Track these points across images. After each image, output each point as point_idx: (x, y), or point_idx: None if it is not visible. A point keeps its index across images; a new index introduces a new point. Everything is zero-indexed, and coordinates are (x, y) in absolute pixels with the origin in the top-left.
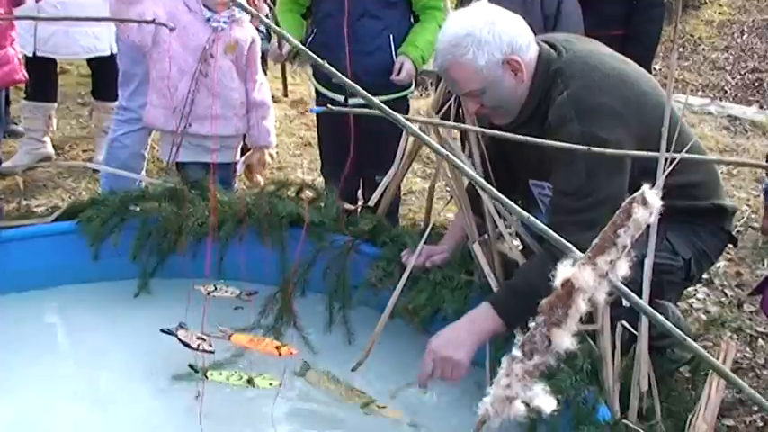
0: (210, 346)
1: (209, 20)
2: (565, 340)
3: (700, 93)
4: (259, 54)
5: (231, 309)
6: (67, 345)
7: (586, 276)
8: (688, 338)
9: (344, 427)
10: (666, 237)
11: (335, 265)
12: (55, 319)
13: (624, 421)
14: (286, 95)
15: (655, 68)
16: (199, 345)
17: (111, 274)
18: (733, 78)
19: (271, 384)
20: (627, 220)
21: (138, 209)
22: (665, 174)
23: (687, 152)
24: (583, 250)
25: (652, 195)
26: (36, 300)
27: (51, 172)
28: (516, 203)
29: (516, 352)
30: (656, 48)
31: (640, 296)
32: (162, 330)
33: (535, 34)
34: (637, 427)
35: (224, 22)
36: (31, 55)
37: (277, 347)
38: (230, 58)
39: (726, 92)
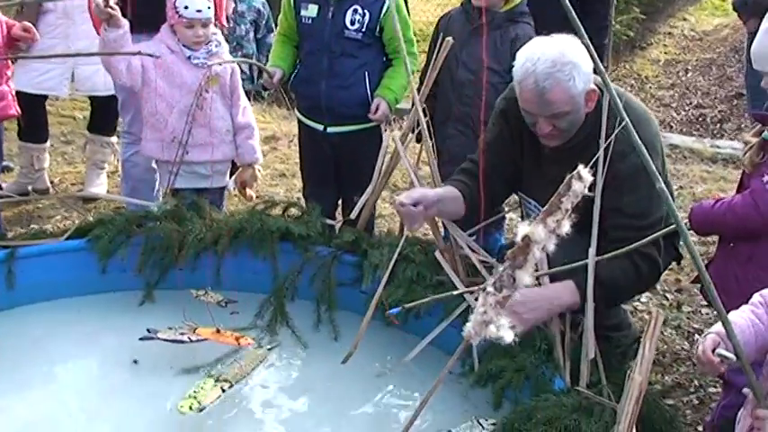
0: (197, 335)
1: (189, 58)
2: (525, 278)
3: None
4: (239, 81)
5: (228, 313)
6: (79, 348)
7: (540, 232)
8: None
9: None
10: None
11: (321, 273)
12: (67, 327)
13: (576, 388)
14: None
15: None
16: (188, 337)
17: (117, 286)
18: (678, 114)
19: (181, 407)
20: (568, 191)
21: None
22: None
23: None
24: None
25: (585, 172)
26: (50, 310)
27: (45, 203)
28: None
29: (489, 288)
30: None
31: None
32: (141, 338)
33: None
34: (586, 392)
35: (203, 59)
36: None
37: (237, 339)
38: (214, 90)
39: (672, 127)
